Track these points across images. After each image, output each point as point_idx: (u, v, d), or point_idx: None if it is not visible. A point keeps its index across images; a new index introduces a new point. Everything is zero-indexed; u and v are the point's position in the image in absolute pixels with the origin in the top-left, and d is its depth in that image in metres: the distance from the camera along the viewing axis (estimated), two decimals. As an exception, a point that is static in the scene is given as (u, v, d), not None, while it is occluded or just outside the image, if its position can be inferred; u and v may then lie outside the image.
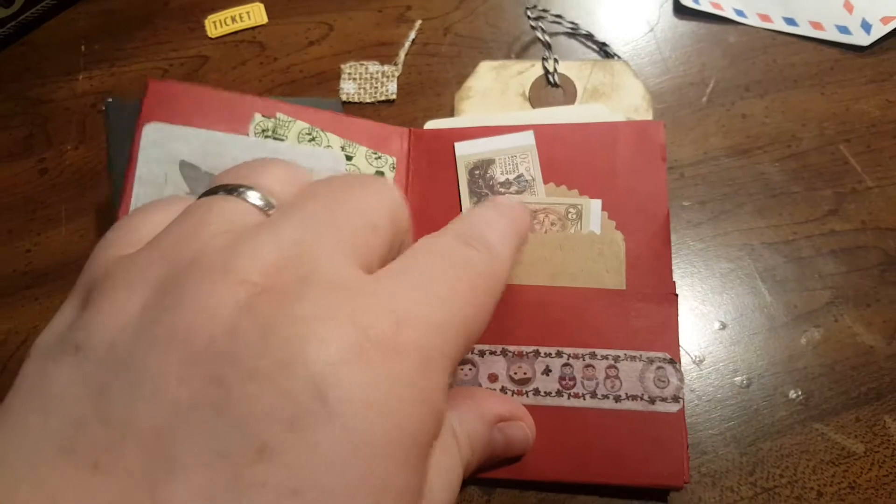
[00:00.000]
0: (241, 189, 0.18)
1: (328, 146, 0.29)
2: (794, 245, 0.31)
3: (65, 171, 0.34)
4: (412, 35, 0.36)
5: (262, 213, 0.17)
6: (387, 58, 0.36)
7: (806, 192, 0.32)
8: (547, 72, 0.31)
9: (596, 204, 0.28)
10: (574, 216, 0.28)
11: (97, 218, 0.33)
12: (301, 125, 0.28)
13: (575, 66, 0.31)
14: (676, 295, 0.27)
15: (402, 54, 0.35)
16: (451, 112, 0.35)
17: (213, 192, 0.18)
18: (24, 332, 0.31)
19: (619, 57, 0.35)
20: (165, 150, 0.27)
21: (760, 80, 0.34)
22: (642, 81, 0.31)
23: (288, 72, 0.36)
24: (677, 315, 0.27)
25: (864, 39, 0.34)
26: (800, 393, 0.28)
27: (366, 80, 0.35)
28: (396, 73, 0.35)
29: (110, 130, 0.29)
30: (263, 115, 0.28)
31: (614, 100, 0.31)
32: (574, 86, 0.31)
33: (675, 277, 0.30)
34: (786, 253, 0.31)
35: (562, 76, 0.31)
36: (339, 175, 0.19)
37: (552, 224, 0.28)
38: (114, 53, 0.37)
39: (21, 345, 0.30)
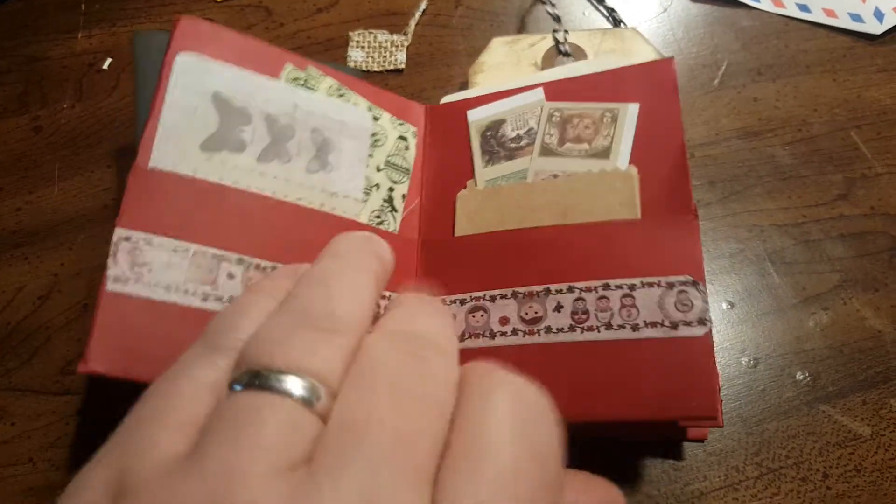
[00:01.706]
0: (282, 378, 0.15)
1: (356, 104, 0.28)
2: (803, 228, 0.31)
3: (59, 129, 0.33)
4: (423, 5, 0.35)
5: (309, 413, 0.15)
6: (396, 27, 0.35)
7: (816, 177, 0.32)
8: (557, 42, 0.31)
9: (633, 108, 0.27)
10: (609, 119, 0.27)
11: (93, 178, 0.32)
12: (331, 81, 0.28)
13: (585, 36, 0.31)
14: (696, 214, 0.25)
15: (412, 24, 0.35)
16: (461, 84, 0.34)
17: (247, 379, 0.15)
18: (10, 291, 0.30)
19: (626, 25, 0.35)
20: (199, 80, 0.26)
21: (772, 64, 0.34)
22: (653, 47, 0.30)
23: (295, 38, 0.35)
24: (698, 235, 0.25)
25: (876, 28, 0.34)
26: (807, 374, 0.28)
27: (374, 48, 0.34)
28: (406, 43, 0.34)
29: (138, 61, 0.28)
30: (294, 66, 0.28)
31: (625, 62, 0.30)
32: (585, 54, 0.31)
33: (684, 256, 0.30)
34: (795, 235, 0.30)
35: (572, 45, 0.31)
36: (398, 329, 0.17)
37: (586, 128, 0.27)
38: (115, 13, 0.36)
39: (6, 305, 0.29)
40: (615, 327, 0.25)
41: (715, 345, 0.28)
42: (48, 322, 0.29)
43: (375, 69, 0.34)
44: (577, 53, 0.31)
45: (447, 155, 0.29)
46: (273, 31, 0.35)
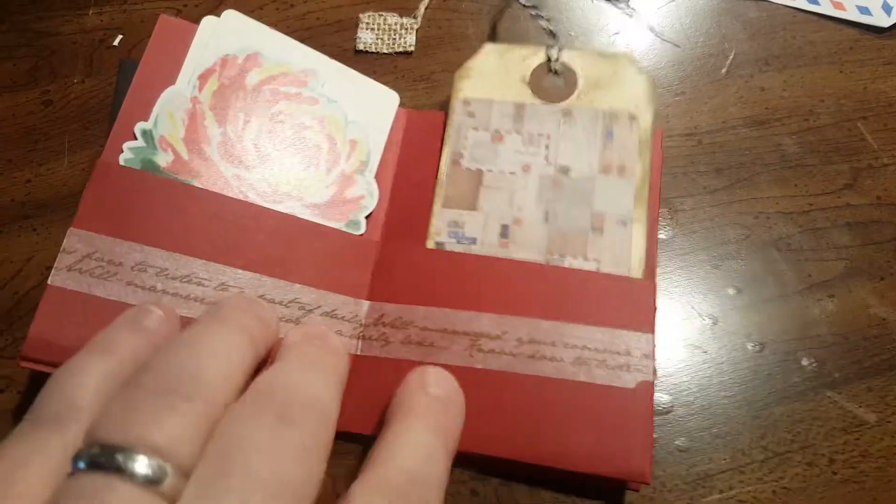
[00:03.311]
0: (125, 456, 0.13)
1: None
2: (809, 216, 0.31)
3: (70, 103, 0.33)
4: (433, -10, 0.35)
5: (153, 496, 0.13)
6: (406, 10, 0.35)
7: (822, 166, 0.32)
8: (549, 59, 0.30)
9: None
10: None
11: (101, 150, 0.32)
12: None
13: (578, 56, 0.31)
14: (655, 281, 0.27)
15: (422, 7, 0.35)
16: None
17: (90, 456, 0.14)
18: (18, 262, 0.30)
19: (630, 8, 0.35)
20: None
21: (780, 55, 0.34)
22: (646, 76, 0.30)
23: (305, 19, 0.35)
24: (654, 297, 0.27)
25: (884, 21, 0.34)
26: (812, 361, 0.28)
27: (384, 30, 0.34)
28: (416, 26, 0.34)
29: (120, 88, 0.30)
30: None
31: (615, 92, 0.30)
32: (575, 76, 0.30)
33: (690, 240, 0.30)
34: (801, 223, 0.31)
35: (563, 65, 0.31)
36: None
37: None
38: (126, -8, 0.36)
39: (16, 275, 0.29)
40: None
41: (721, 328, 0.28)
42: (53, 293, 0.28)
43: (385, 51, 0.34)
44: (567, 74, 0.30)
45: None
46: (283, 11, 0.35)
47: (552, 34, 0.31)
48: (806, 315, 0.29)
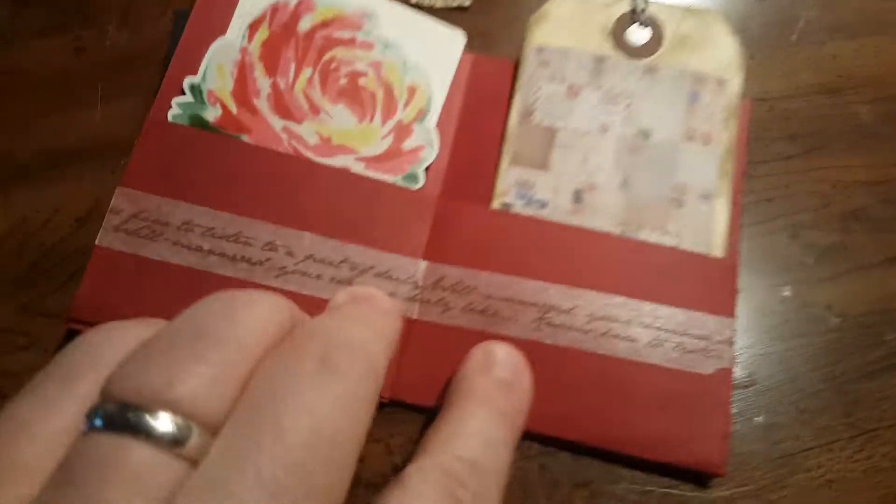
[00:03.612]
0: (145, 413, 0.12)
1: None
2: (886, 186, 0.29)
3: (104, 52, 0.31)
4: (488, -54, 0.33)
5: (173, 458, 0.12)
6: (461, -35, 0.33)
7: (898, 136, 0.30)
8: (634, 9, 0.29)
9: None
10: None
11: (137, 104, 0.30)
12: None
13: (666, 10, 0.29)
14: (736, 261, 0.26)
15: (477, -37, 0.33)
16: (524, 26, 0.32)
17: (107, 413, 0.12)
18: (46, 212, 0.28)
19: None
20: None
21: (852, 22, 0.33)
22: (735, 38, 0.28)
23: (353, -28, 0.33)
24: (735, 278, 0.25)
25: (957, -10, 0.33)
26: (897, 335, 0.26)
27: (438, -15, 0.32)
28: (472, -19, 0.33)
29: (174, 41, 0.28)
30: None
31: (702, 53, 0.28)
32: (662, 30, 0.28)
33: (766, 208, 0.29)
34: (878, 193, 0.29)
35: (650, 17, 0.29)
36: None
37: None
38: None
39: (44, 225, 0.27)
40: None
41: (799, 301, 0.27)
42: (86, 246, 0.26)
43: (439, 5, 0.32)
44: (654, 27, 0.28)
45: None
46: (330, -35, 0.34)
47: None
48: (887, 288, 0.27)
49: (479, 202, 0.27)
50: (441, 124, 0.28)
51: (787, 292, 0.27)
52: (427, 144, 0.27)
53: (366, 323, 0.16)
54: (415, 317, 0.25)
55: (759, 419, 0.25)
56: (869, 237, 0.28)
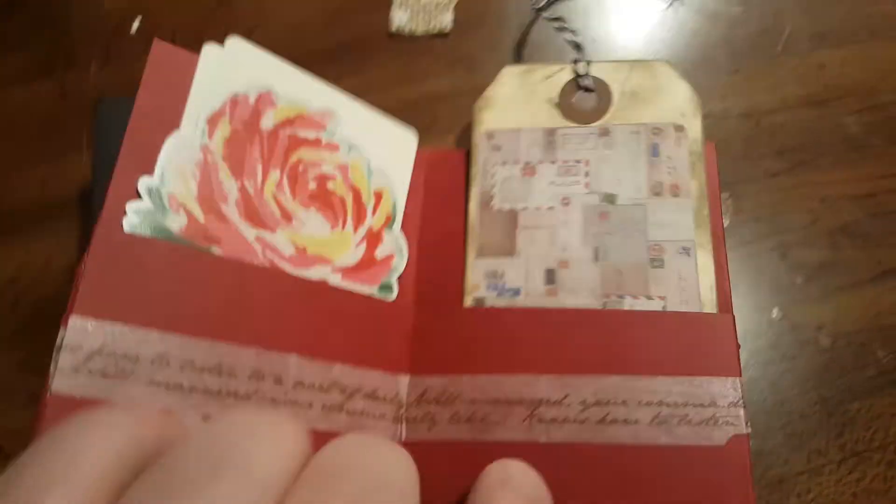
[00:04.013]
0: None
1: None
2: (875, 199, 0.29)
3: (87, 94, 0.31)
4: (468, -33, 0.33)
5: None
6: (441, -11, 0.33)
7: (887, 146, 0.30)
8: (578, 75, 0.27)
9: None
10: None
11: (122, 145, 0.30)
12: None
13: (610, 68, 0.28)
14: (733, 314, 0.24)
15: (458, -15, 0.33)
16: (508, 47, 0.32)
17: None
18: (38, 264, 0.28)
19: (676, 3, 0.33)
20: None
21: (836, 30, 0.32)
22: (688, 84, 0.27)
23: None
24: (734, 333, 0.24)
25: (945, -8, 0.33)
26: (888, 353, 0.26)
27: (419, 9, 0.32)
28: (452, 5, 0.32)
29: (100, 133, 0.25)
30: None
31: (656, 104, 0.27)
32: (609, 90, 0.27)
33: (754, 227, 0.28)
34: (868, 207, 0.29)
35: (595, 80, 0.28)
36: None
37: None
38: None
39: (36, 278, 0.28)
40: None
41: (791, 322, 0.27)
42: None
43: (420, 32, 0.32)
44: (600, 88, 0.28)
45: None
46: (310, -7, 0.34)
47: (579, 47, 0.28)
48: (879, 304, 0.27)
49: (453, 302, 0.26)
50: (405, 227, 0.27)
51: (776, 314, 0.27)
52: (397, 252, 0.26)
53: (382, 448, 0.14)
54: (402, 438, 0.24)
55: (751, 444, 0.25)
56: (859, 253, 0.28)
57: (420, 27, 0.32)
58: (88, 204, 0.24)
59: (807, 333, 0.27)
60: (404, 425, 0.24)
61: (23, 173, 0.30)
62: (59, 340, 0.19)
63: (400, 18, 0.32)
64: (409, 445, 0.23)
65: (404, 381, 0.25)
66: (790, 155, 0.30)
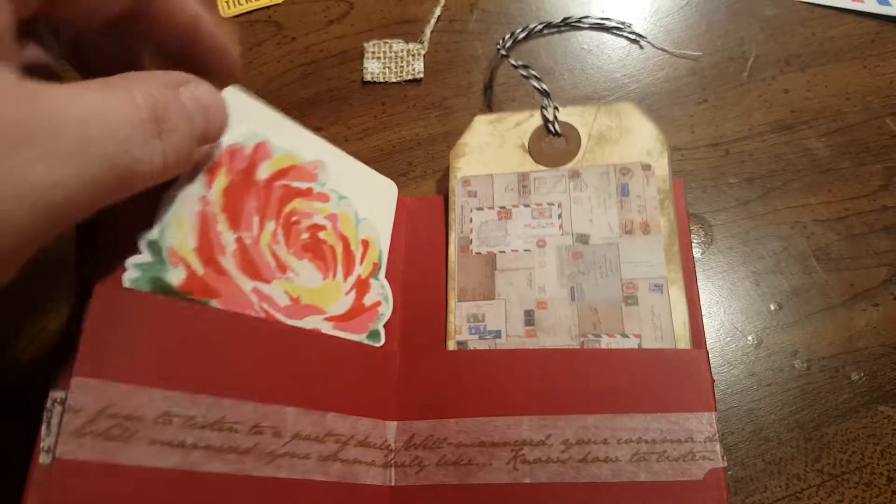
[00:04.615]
0: None
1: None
2: (846, 222, 0.30)
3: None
4: (437, 11, 0.34)
5: None
6: (411, 36, 0.34)
7: (855, 168, 0.31)
8: (546, 121, 0.28)
9: None
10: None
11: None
12: None
13: (577, 112, 0.29)
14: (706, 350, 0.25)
15: (427, 31, 0.34)
16: (479, 90, 0.33)
17: None
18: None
19: (641, 40, 0.34)
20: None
21: (800, 53, 0.33)
22: (653, 124, 0.28)
23: (308, 52, 0.34)
24: (709, 368, 0.25)
25: (905, 10, 0.33)
26: (862, 374, 0.27)
27: (390, 58, 0.33)
28: (423, 52, 0.33)
29: None
30: None
31: (623, 145, 0.28)
32: (578, 133, 0.28)
33: (727, 256, 0.29)
34: (838, 230, 0.30)
35: (563, 124, 0.29)
36: None
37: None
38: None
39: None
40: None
41: (766, 348, 0.27)
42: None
43: (393, 80, 0.33)
44: (569, 133, 0.28)
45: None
46: (285, 46, 0.34)
47: (546, 93, 0.29)
48: (851, 327, 0.28)
49: (436, 346, 0.27)
50: (388, 273, 0.28)
51: (752, 341, 0.28)
52: (383, 299, 0.27)
53: None
54: (391, 483, 0.25)
55: (729, 473, 0.26)
56: (831, 276, 0.29)
57: (393, 75, 0.33)
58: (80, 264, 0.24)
59: (782, 360, 0.27)
60: (393, 471, 0.25)
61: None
62: (48, 402, 0.19)
63: (373, 67, 0.33)
64: (398, 491, 0.25)
65: (392, 426, 0.25)
66: (760, 182, 0.31)
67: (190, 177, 0.23)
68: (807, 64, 0.33)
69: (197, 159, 0.22)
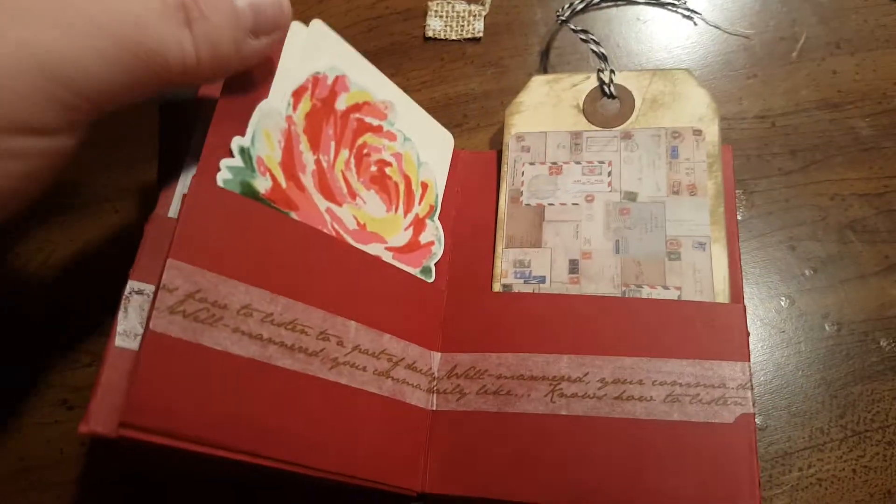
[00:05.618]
0: None
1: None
2: (885, 198, 0.30)
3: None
4: (500, -23, 0.36)
5: None
6: (474, -2, 0.36)
7: (897, 148, 0.31)
8: (602, 83, 0.30)
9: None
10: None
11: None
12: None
13: (633, 77, 0.30)
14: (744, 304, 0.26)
15: (490, -6, 0.35)
16: (535, 53, 0.35)
17: None
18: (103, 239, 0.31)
19: (695, 16, 0.35)
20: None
21: (851, 38, 0.34)
22: (706, 90, 0.29)
23: (374, 8, 0.36)
24: (745, 322, 0.26)
25: (959, 2, 0.34)
26: (891, 341, 0.28)
27: (452, 17, 0.35)
28: (484, 13, 0.35)
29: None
30: None
31: (676, 110, 0.29)
32: (632, 96, 0.30)
33: (766, 221, 0.30)
34: (877, 205, 0.30)
35: (618, 87, 0.30)
36: None
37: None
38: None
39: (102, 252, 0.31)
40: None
41: (799, 308, 0.28)
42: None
43: (453, 38, 0.35)
44: (623, 95, 0.30)
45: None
46: (352, 1, 0.36)
47: (603, 57, 0.30)
48: (883, 297, 0.29)
49: (482, 287, 0.28)
50: (441, 218, 0.30)
51: (785, 301, 0.29)
52: (437, 240, 0.29)
53: None
54: (433, 408, 0.26)
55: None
56: (866, 248, 0.29)
57: (453, 33, 0.35)
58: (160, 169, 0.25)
59: (813, 321, 0.28)
60: (435, 396, 0.26)
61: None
62: (126, 291, 0.21)
63: (436, 25, 0.35)
64: (439, 415, 0.26)
65: (437, 356, 0.27)
66: (803, 155, 0.31)
67: (277, 96, 0.25)
68: (857, 48, 0.34)
69: (248, 54, 0.22)
